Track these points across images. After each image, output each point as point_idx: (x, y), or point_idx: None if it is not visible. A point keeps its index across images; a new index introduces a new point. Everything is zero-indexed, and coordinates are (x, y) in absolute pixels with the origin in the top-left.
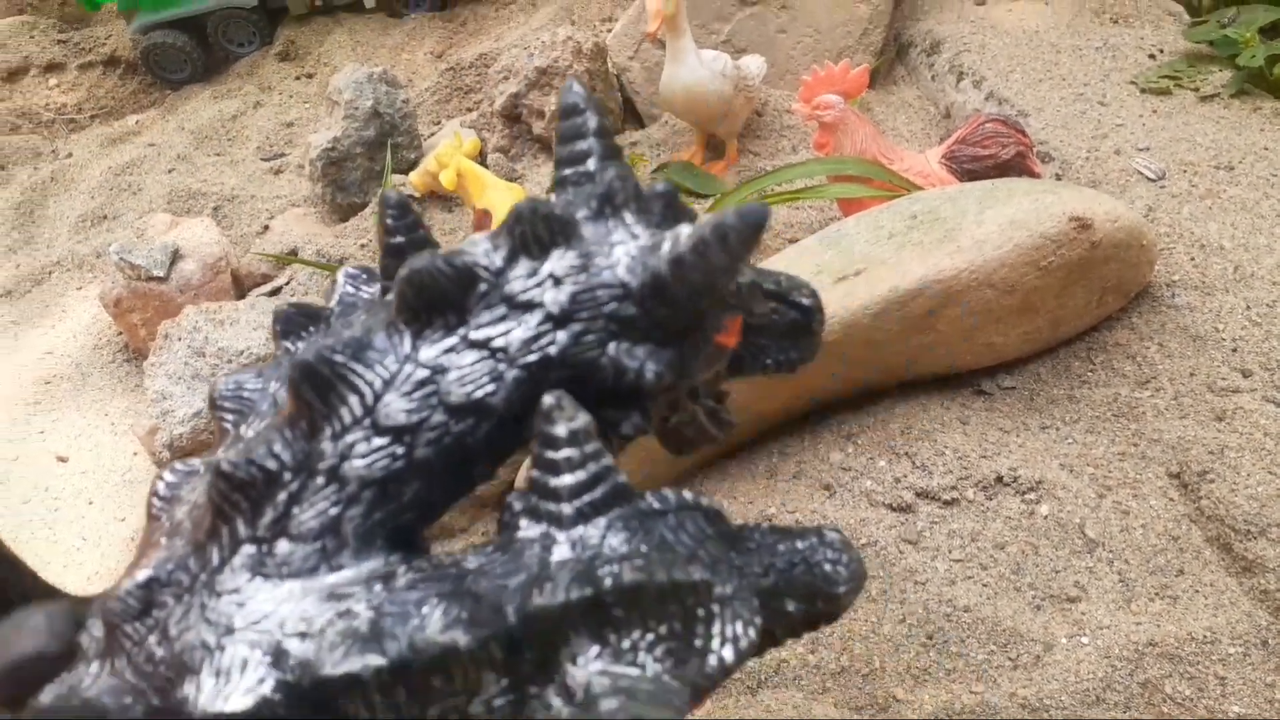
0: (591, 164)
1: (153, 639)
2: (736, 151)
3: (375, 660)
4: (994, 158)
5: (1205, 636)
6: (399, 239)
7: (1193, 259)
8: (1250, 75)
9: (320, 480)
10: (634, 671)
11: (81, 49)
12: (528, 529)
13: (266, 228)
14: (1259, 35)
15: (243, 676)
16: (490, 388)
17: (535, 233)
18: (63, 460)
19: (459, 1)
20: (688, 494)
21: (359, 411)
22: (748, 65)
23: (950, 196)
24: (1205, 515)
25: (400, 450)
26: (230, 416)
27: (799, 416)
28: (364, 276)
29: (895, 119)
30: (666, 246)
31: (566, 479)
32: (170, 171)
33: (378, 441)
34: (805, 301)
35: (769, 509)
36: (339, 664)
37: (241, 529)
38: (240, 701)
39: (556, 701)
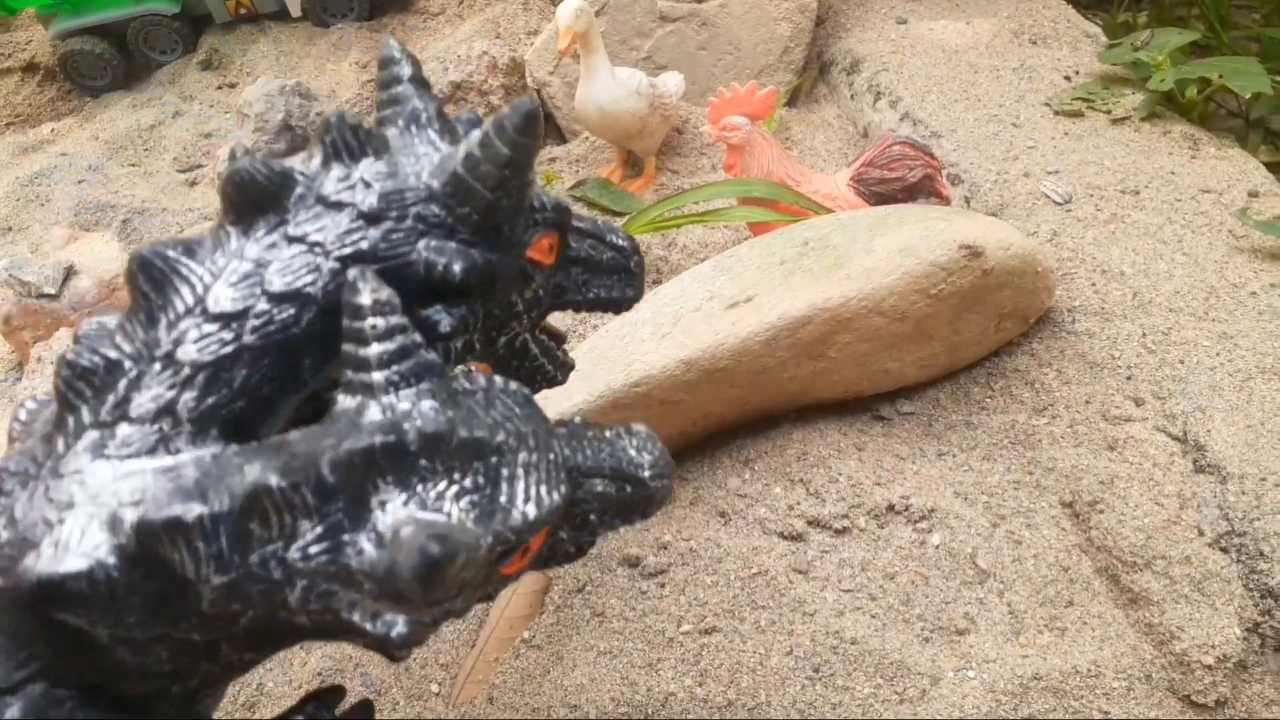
0: (406, 101)
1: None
2: (655, 169)
3: (196, 508)
4: (901, 180)
5: (1090, 670)
6: None
7: (1094, 285)
8: (1161, 98)
9: (157, 366)
10: (439, 517)
11: None
12: (344, 402)
13: None
14: (1170, 59)
15: (80, 543)
16: (309, 278)
17: (344, 140)
18: None
19: (386, 12)
20: (499, 378)
21: (191, 301)
22: (665, 83)
23: (843, 223)
24: (1095, 545)
25: (229, 335)
26: None
27: (699, 440)
28: None
29: (814, 138)
30: (460, 150)
31: (375, 348)
32: (80, 182)
33: (208, 328)
34: (619, 241)
35: (664, 536)
36: (161, 511)
37: (85, 416)
38: (74, 563)
39: (367, 546)
